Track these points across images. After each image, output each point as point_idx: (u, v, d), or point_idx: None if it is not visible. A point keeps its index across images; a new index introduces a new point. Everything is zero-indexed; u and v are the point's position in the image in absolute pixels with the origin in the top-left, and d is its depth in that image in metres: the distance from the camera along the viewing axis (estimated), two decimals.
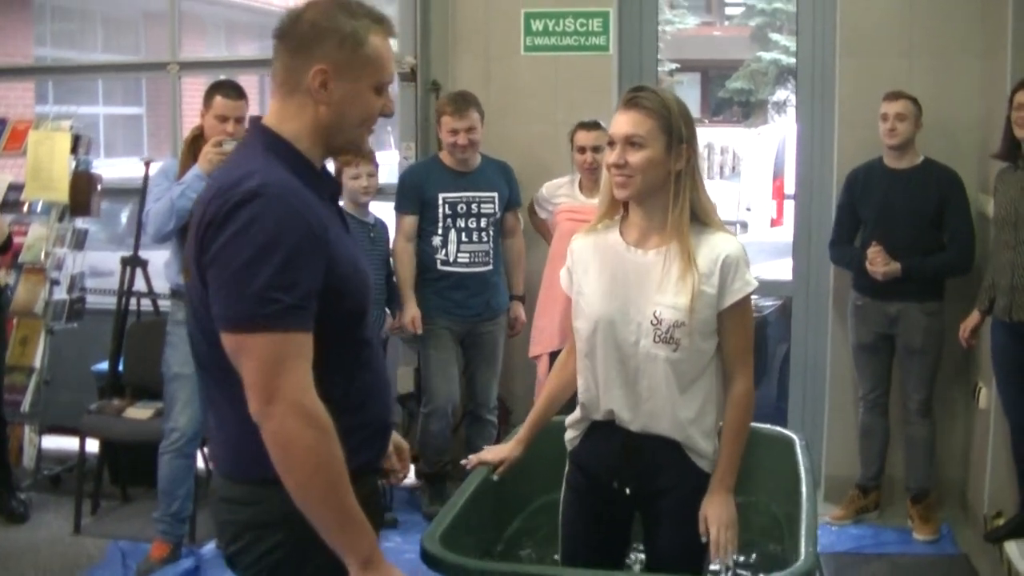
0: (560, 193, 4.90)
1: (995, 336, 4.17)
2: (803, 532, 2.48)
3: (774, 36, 16.41)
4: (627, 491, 2.60)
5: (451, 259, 4.81)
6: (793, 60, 15.90)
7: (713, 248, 2.49)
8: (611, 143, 2.50)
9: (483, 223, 4.83)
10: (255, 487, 1.94)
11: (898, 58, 4.94)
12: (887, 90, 4.70)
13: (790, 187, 10.76)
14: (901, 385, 4.83)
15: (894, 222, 4.62)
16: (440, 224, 4.81)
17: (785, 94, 16.86)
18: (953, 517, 4.87)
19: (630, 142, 2.45)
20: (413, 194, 4.83)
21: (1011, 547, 4.14)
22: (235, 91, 4.24)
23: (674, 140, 2.45)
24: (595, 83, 5.23)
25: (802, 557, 2.34)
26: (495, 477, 2.76)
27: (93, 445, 5.00)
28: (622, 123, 2.48)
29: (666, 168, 2.47)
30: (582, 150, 4.73)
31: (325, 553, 1.90)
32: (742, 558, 2.85)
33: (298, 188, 1.91)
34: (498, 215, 4.87)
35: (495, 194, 4.86)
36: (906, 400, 4.79)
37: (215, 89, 4.24)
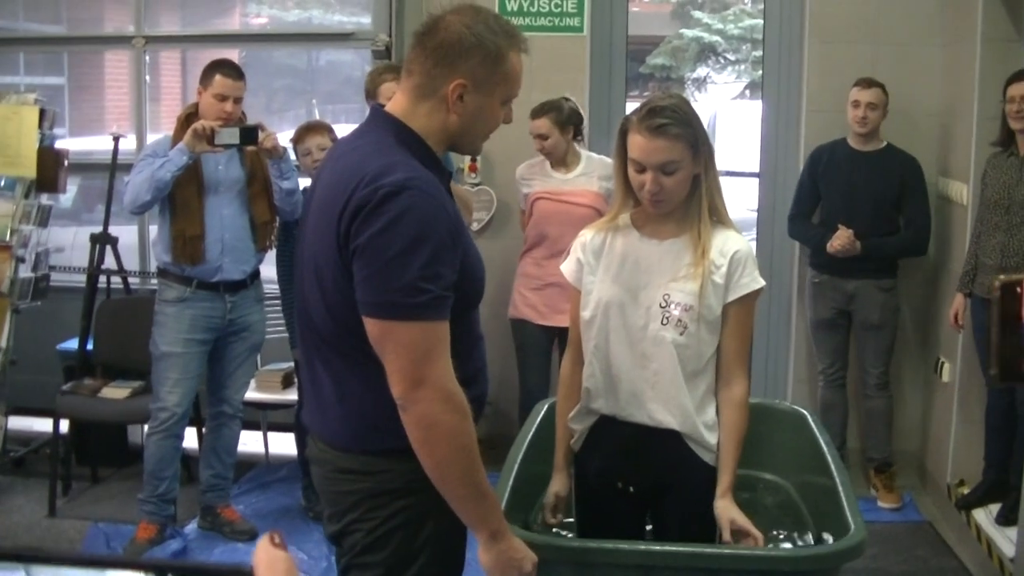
0: (534, 173, 4.80)
1: (976, 314, 4.31)
2: (845, 503, 2.58)
3: (696, 14, 16.55)
4: (631, 489, 2.61)
5: None
6: (714, 38, 16.20)
7: (725, 243, 2.52)
8: (640, 168, 2.45)
9: None
10: (376, 457, 2.06)
11: (864, 44, 5.10)
12: (851, 75, 4.86)
13: (721, 163, 10.93)
14: (858, 360, 5.02)
15: (856, 202, 4.80)
16: None
17: (705, 71, 17.07)
18: (912, 486, 5.08)
19: (664, 170, 2.43)
20: None
21: (979, 514, 4.34)
22: (235, 71, 4.19)
23: (699, 149, 2.45)
24: (569, 63, 5.25)
25: (852, 527, 2.44)
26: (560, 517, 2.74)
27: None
28: (654, 152, 2.41)
29: (692, 175, 2.48)
30: (541, 137, 4.63)
31: (438, 520, 2.07)
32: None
33: (436, 182, 1.99)
34: None
35: None
36: (864, 375, 4.98)
37: (215, 68, 4.18)
